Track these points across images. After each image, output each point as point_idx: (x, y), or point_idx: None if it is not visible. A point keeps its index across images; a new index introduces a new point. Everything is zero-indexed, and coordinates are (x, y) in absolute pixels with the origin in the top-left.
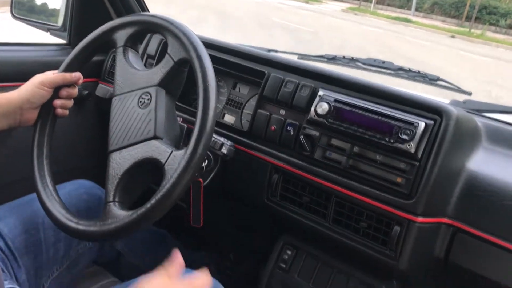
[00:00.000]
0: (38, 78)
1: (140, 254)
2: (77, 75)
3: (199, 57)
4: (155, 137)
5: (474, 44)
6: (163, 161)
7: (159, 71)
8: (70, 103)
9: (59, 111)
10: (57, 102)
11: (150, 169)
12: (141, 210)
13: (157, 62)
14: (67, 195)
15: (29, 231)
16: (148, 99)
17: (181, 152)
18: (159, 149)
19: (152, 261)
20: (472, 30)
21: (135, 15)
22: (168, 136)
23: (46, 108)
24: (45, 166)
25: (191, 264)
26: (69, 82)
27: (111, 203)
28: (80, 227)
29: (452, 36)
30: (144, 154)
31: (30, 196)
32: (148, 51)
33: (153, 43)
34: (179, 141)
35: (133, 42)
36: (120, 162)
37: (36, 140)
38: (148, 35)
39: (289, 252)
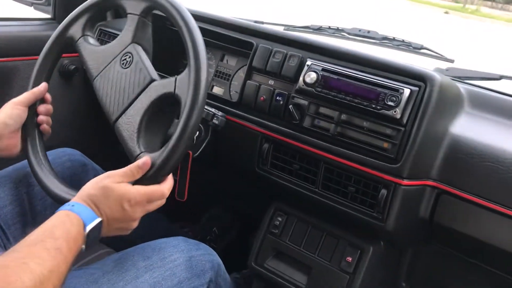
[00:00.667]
0: (10, 102)
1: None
2: (41, 86)
3: (187, 26)
4: (152, 80)
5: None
6: (172, 90)
7: (127, 31)
8: (50, 120)
9: (45, 127)
10: (41, 117)
11: (161, 109)
12: (170, 143)
13: None
14: (51, 162)
15: (15, 202)
16: (129, 57)
17: (185, 72)
18: (162, 84)
19: (136, 232)
20: (467, 6)
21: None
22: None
23: (29, 128)
24: (38, 143)
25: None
26: (40, 95)
27: (140, 155)
28: (63, 194)
29: (446, 12)
30: (151, 98)
31: (13, 167)
32: None
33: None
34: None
35: (90, 27)
36: (130, 120)
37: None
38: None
39: (280, 218)
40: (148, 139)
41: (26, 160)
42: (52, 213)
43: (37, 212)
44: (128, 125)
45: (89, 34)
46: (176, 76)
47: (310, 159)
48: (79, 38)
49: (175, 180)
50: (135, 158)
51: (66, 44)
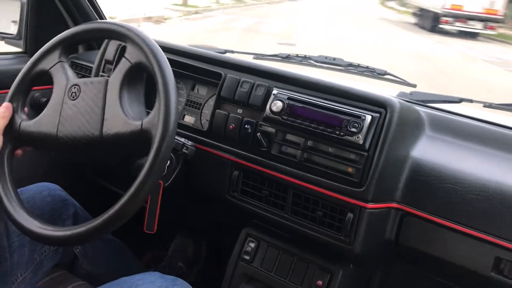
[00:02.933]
0: None
1: (94, 261)
2: (3, 106)
3: (158, 62)
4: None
5: None
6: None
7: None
8: None
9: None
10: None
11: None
12: (101, 219)
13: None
14: (30, 198)
15: None
16: (75, 91)
17: (155, 108)
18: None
19: (104, 269)
20: None
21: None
22: None
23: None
24: (7, 176)
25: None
26: (9, 116)
27: None
28: (43, 231)
29: None
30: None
31: None
32: (106, 56)
33: (111, 48)
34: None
35: (67, 54)
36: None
37: None
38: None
39: (251, 244)
40: None
41: None
42: (30, 249)
43: (15, 248)
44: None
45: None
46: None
47: (279, 185)
48: (52, 66)
49: (144, 208)
50: None
51: (37, 77)
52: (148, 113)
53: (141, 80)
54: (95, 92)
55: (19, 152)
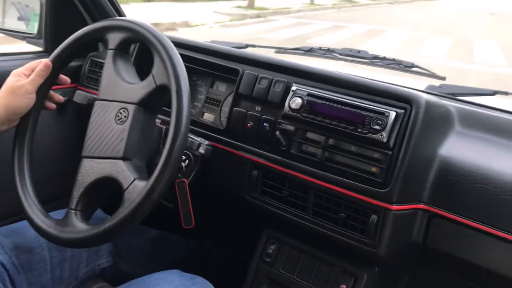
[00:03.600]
0: (20, 88)
1: (138, 263)
2: (43, 63)
3: (178, 91)
4: (123, 158)
5: None
6: (124, 186)
7: (141, 90)
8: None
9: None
10: (49, 105)
11: (113, 187)
12: (96, 229)
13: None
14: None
15: (35, 249)
16: (125, 116)
17: (143, 184)
18: (123, 173)
19: (142, 268)
20: None
21: (130, 21)
22: (139, 156)
23: (26, 118)
24: (26, 174)
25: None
26: (44, 76)
27: (72, 211)
28: (43, 226)
29: None
30: (110, 172)
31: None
32: None
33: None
34: (152, 159)
35: (124, 47)
36: (89, 171)
37: (16, 153)
38: None
39: (273, 246)
40: (86, 202)
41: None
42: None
43: (56, 262)
44: (86, 174)
45: (120, 52)
46: (136, 178)
47: (299, 185)
48: (111, 49)
49: (178, 209)
50: (67, 209)
51: (97, 41)
52: None
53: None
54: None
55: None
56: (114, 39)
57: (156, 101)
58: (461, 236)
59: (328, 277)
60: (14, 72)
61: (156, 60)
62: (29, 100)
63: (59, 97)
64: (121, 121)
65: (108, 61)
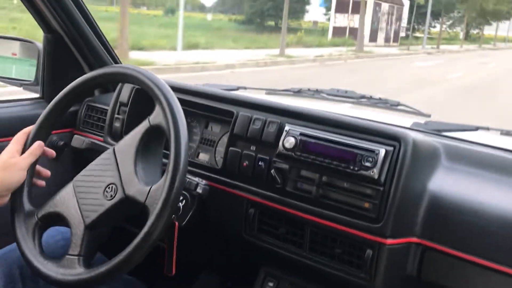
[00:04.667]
0: (14, 165)
1: None
2: (36, 144)
3: (176, 130)
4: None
5: None
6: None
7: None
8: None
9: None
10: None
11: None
12: (99, 269)
13: (130, 110)
14: (44, 243)
15: (8, 284)
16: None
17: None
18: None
19: None
20: None
21: (128, 67)
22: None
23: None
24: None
25: None
26: (37, 156)
27: (75, 257)
28: (60, 277)
29: None
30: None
31: (7, 248)
32: (121, 99)
33: (125, 90)
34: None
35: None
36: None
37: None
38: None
39: (271, 283)
40: (88, 248)
41: None
42: None
43: None
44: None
45: None
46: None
47: (296, 222)
48: None
49: (163, 251)
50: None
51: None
52: None
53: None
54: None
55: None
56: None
57: (152, 143)
58: (454, 268)
59: None
60: (7, 149)
61: (156, 104)
62: (22, 175)
63: (52, 152)
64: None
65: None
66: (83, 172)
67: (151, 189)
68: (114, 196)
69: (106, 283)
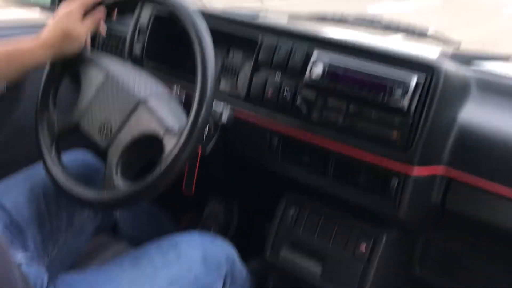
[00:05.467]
0: (74, 31)
1: (132, 225)
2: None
3: (203, 49)
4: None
5: None
6: (159, 135)
7: None
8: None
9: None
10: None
11: (149, 143)
12: (140, 184)
13: (150, 36)
14: (66, 164)
15: (32, 204)
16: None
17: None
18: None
19: (143, 233)
20: None
21: None
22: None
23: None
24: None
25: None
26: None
27: (113, 178)
28: (79, 192)
29: None
30: (139, 131)
31: (30, 169)
32: (140, 24)
33: (144, 15)
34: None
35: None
36: (116, 147)
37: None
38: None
39: (293, 209)
40: (124, 166)
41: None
42: (68, 214)
43: (53, 213)
44: (115, 149)
45: None
46: (167, 126)
47: (320, 152)
48: None
49: (182, 173)
50: (105, 176)
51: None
52: None
53: None
54: None
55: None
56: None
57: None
58: (479, 199)
59: (348, 238)
60: (69, 12)
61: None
62: (79, 45)
63: (104, 28)
64: None
65: None
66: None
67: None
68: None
69: (133, 205)
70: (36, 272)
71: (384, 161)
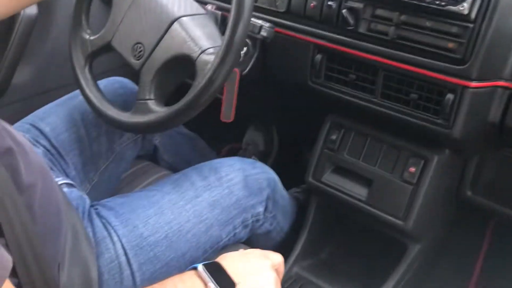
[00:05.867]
0: None
1: (172, 153)
2: None
3: None
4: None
5: None
6: (194, 56)
7: None
8: None
9: None
10: None
11: (183, 64)
12: (177, 106)
13: None
14: (103, 89)
15: (71, 129)
16: None
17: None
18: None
19: (183, 160)
20: None
21: None
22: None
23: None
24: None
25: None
26: None
27: (146, 100)
28: (113, 114)
29: None
30: (174, 51)
31: (67, 96)
32: None
33: None
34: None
35: None
36: (149, 67)
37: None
38: None
39: (336, 132)
40: (158, 89)
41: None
42: (108, 139)
43: (93, 138)
44: (148, 70)
45: None
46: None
47: (368, 67)
48: None
49: (220, 100)
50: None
51: None
52: None
53: None
54: None
55: None
56: None
57: None
58: None
59: (396, 161)
60: None
61: None
62: None
63: None
64: None
65: None
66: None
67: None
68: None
69: (167, 129)
70: (77, 196)
71: (439, 75)
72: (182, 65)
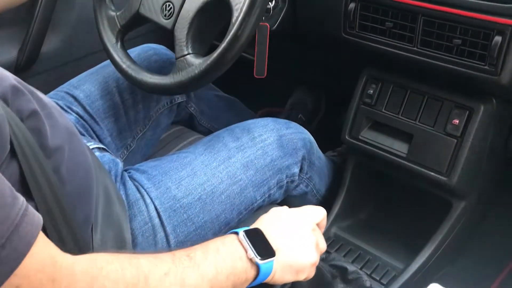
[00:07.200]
0: None
1: (212, 117)
2: None
3: None
4: None
5: None
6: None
7: None
8: None
9: None
10: None
11: (215, 11)
12: (213, 55)
13: None
14: (136, 57)
15: (105, 96)
16: None
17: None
18: None
19: (222, 126)
20: None
21: None
22: None
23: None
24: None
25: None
26: None
27: (185, 56)
28: (154, 80)
29: None
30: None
31: (101, 64)
32: None
33: None
34: None
35: None
36: (182, 22)
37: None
38: None
39: (373, 86)
40: (194, 43)
41: None
42: (145, 106)
43: (129, 105)
44: (181, 24)
45: None
46: None
47: (406, 13)
48: None
49: (252, 56)
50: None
51: None
52: None
53: None
54: None
55: None
56: None
57: None
58: None
59: (438, 113)
60: None
61: None
62: None
63: None
64: None
65: None
66: None
67: None
68: None
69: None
70: (109, 160)
71: (486, 16)
72: (215, 12)
